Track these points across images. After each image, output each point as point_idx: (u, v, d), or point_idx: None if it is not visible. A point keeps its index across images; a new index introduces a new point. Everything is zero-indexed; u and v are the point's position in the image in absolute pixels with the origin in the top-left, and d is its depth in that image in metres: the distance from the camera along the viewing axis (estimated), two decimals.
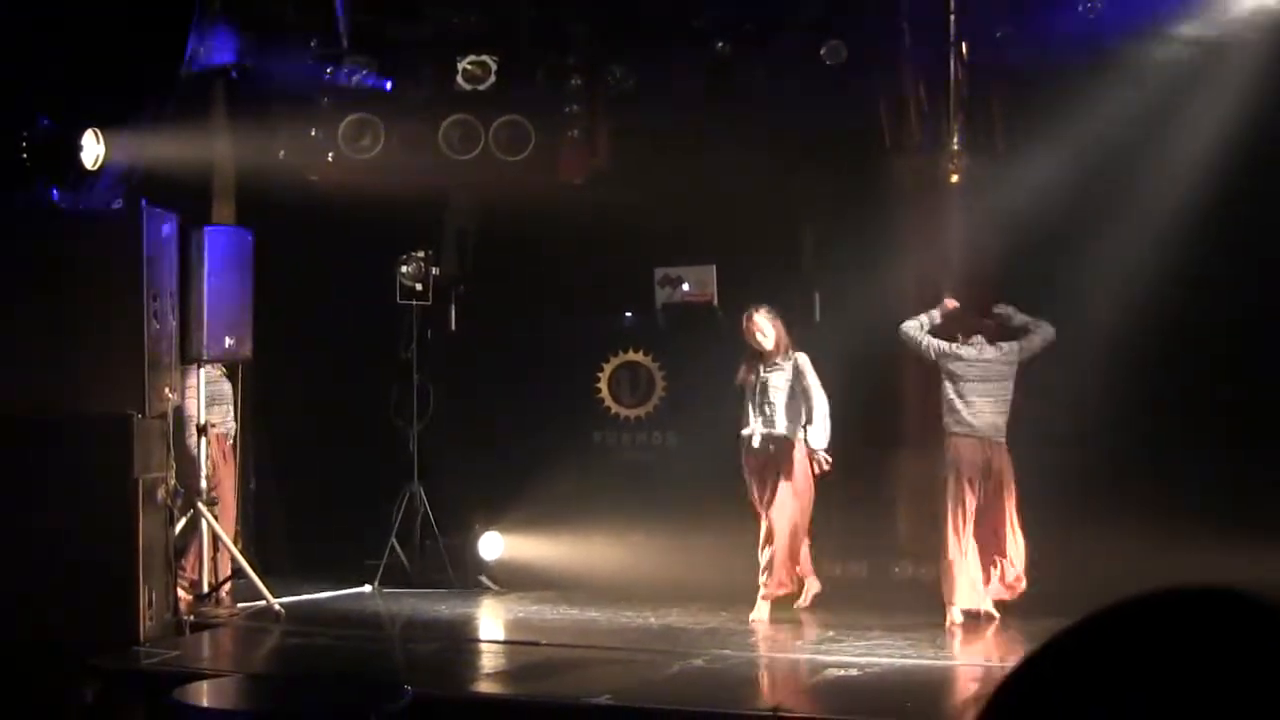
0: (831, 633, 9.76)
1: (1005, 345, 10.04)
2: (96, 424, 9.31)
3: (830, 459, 10.23)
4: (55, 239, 9.64)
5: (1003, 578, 9.95)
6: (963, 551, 9.87)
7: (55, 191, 9.93)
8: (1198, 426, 10.55)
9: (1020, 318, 10.09)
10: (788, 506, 10.24)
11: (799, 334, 10.63)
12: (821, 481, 10.41)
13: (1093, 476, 10.47)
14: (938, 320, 10.18)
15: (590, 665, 9.06)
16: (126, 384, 9.38)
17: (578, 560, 11.59)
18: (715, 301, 11.83)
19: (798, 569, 10.43)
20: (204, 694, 6.91)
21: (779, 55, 11.39)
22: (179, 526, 10.16)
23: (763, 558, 10.33)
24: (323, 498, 12.18)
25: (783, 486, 10.25)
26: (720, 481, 10.66)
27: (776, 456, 10.28)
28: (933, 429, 10.33)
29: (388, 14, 12.06)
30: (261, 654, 10.07)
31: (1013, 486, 9.94)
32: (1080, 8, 10.45)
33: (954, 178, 11.05)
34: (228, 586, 10.74)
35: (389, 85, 11.94)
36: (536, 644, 9.61)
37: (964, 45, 10.89)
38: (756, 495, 10.37)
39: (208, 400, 10.76)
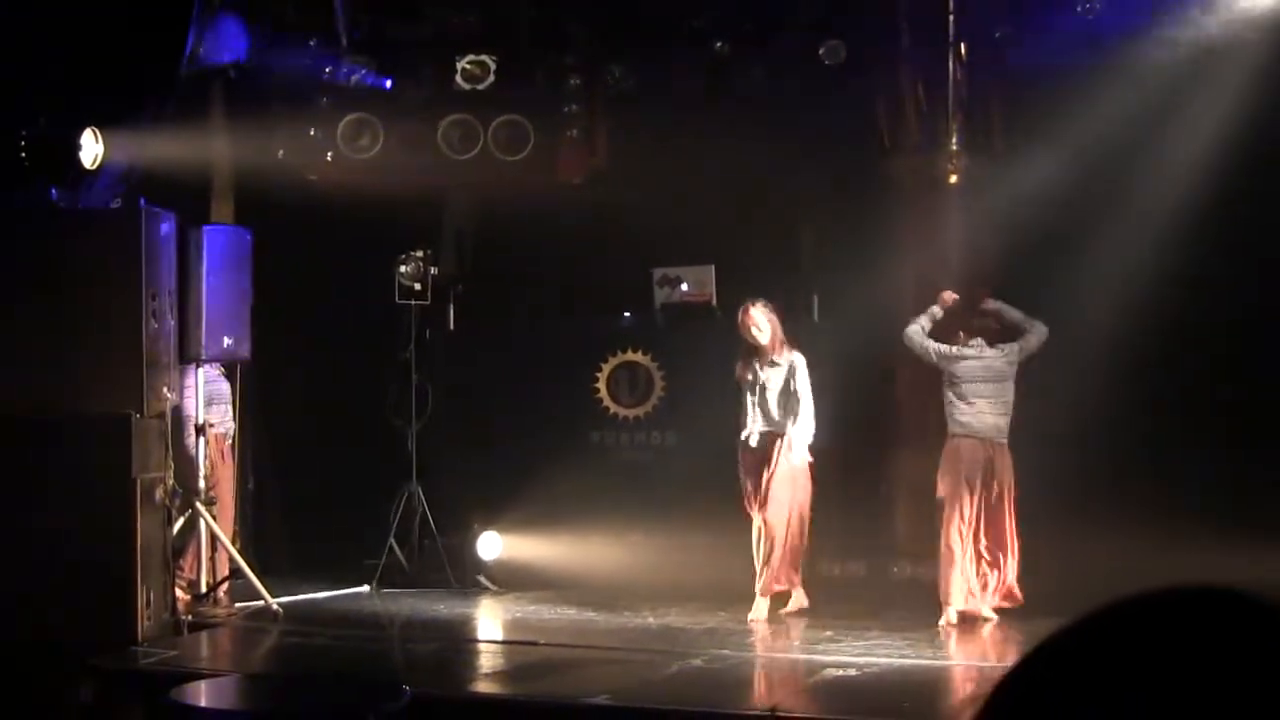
0: (830, 633, 9.75)
1: (1005, 346, 10.04)
2: (95, 424, 9.31)
3: (811, 458, 10.24)
4: (54, 238, 9.64)
5: (1000, 585, 9.93)
6: (961, 553, 9.86)
7: (54, 191, 9.93)
8: (1198, 426, 10.55)
9: (1013, 314, 10.09)
10: (784, 504, 10.23)
11: (797, 334, 10.62)
12: (820, 481, 10.41)
13: (1093, 476, 10.47)
14: (939, 316, 10.17)
15: (588, 665, 9.06)
16: (125, 384, 9.38)
17: (576, 560, 11.58)
18: (714, 301, 11.82)
19: (796, 575, 10.40)
20: (202, 694, 6.91)
21: (778, 55, 11.40)
22: (177, 526, 10.16)
23: (759, 555, 10.32)
24: (321, 497, 12.17)
25: (778, 484, 10.23)
26: (719, 481, 10.66)
27: (773, 455, 10.27)
28: (931, 428, 10.32)
29: (387, 14, 12.06)
30: (260, 654, 10.06)
31: (1013, 489, 9.92)
32: (1079, 8, 10.46)
33: (953, 178, 11.07)
34: (226, 586, 10.73)
35: (388, 84, 11.93)
36: (535, 644, 9.61)
37: (963, 45, 10.91)
38: (750, 492, 10.35)
39: (206, 400, 10.76)
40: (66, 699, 8.35)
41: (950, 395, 10.00)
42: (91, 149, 9.95)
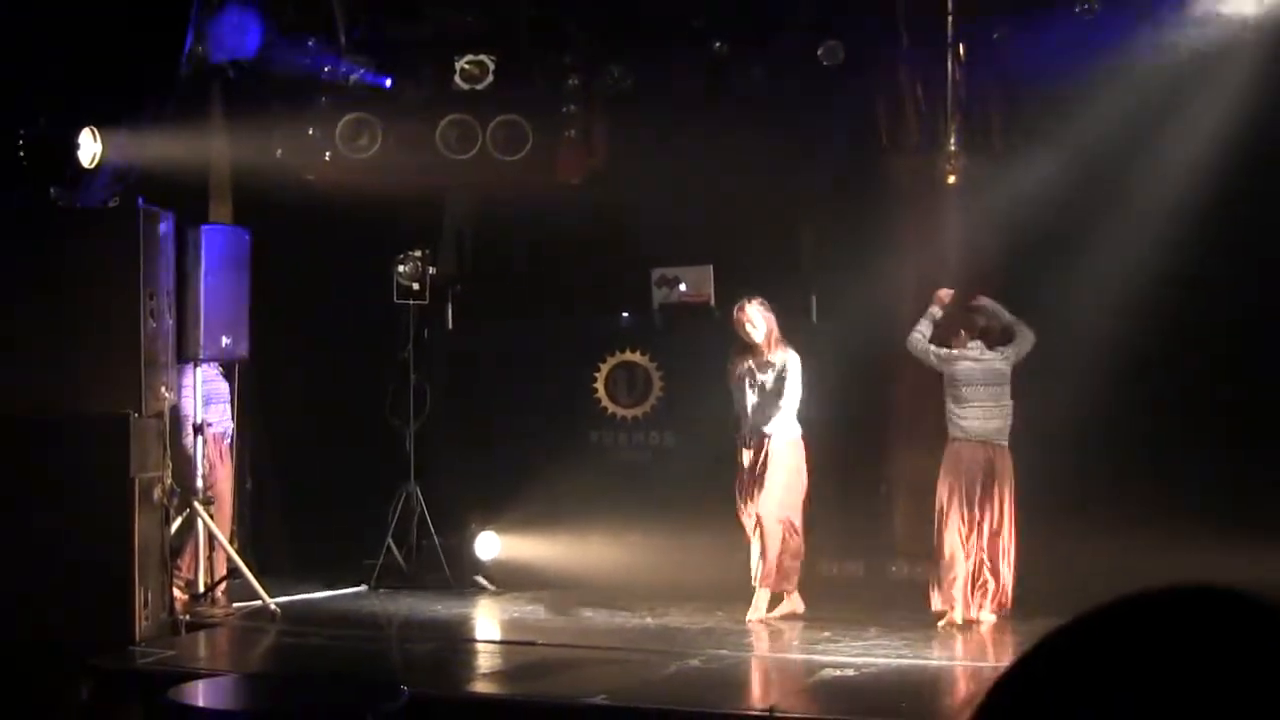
0: (828, 633, 9.75)
1: (1004, 349, 10.03)
2: (93, 423, 9.31)
3: (800, 439, 10.23)
4: (52, 238, 9.63)
5: (998, 592, 9.91)
6: (964, 559, 9.84)
7: (52, 190, 9.93)
8: (1198, 426, 10.54)
9: (1005, 316, 10.08)
10: (777, 500, 10.20)
11: (796, 335, 10.61)
12: (818, 481, 10.40)
13: (1092, 477, 10.46)
14: (938, 316, 10.16)
15: (586, 665, 9.06)
16: (123, 383, 9.38)
17: (574, 560, 11.58)
18: (712, 302, 11.81)
19: (789, 582, 10.36)
20: (199, 693, 6.91)
21: (777, 56, 11.39)
22: (175, 526, 10.15)
23: (755, 552, 10.29)
24: (319, 497, 12.17)
25: (772, 480, 10.20)
26: (717, 481, 10.65)
27: (768, 453, 10.24)
28: (930, 429, 10.32)
29: (387, 13, 12.06)
30: (257, 654, 10.06)
31: (1013, 493, 9.89)
32: (1077, 9, 10.45)
33: (951, 178, 11.06)
34: (223, 586, 10.74)
35: (388, 83, 11.92)
36: (533, 644, 9.61)
37: (961, 46, 10.90)
38: (744, 490, 10.31)
39: (204, 400, 10.76)
40: (65, 699, 8.34)
41: (950, 398, 9.99)
42: (90, 148, 9.94)
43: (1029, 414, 10.03)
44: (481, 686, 8.88)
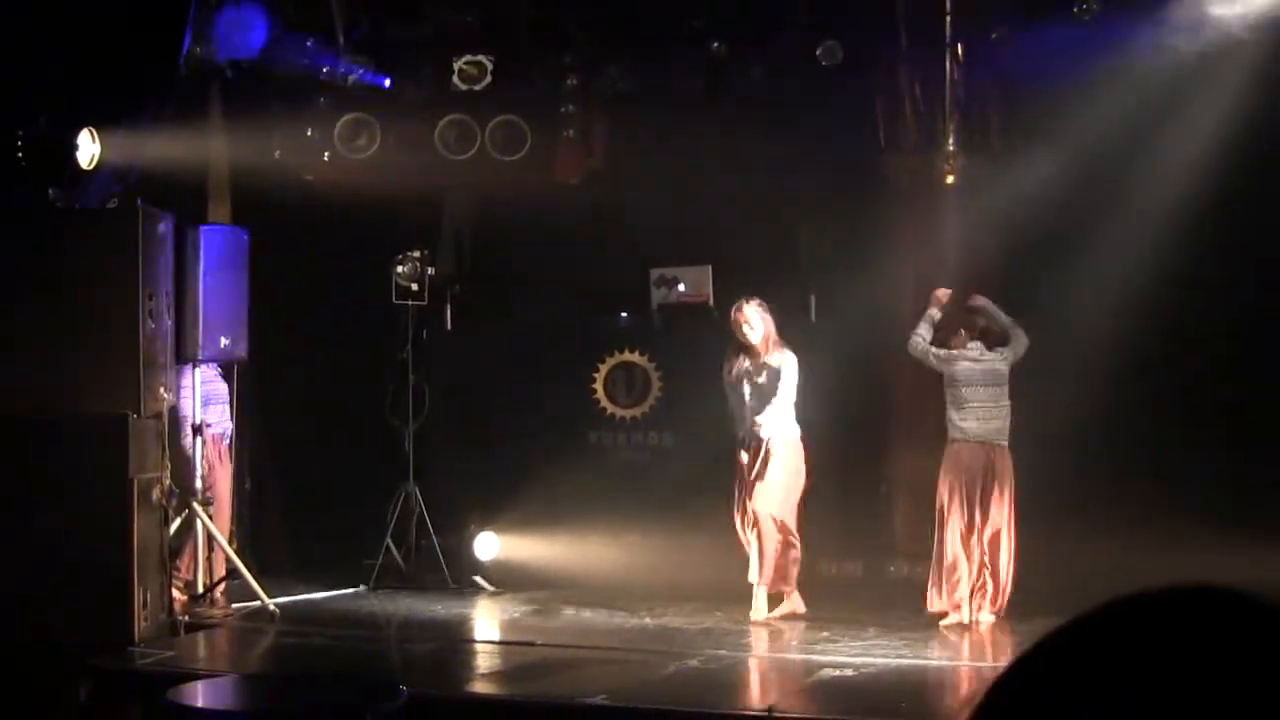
0: (827, 633, 9.75)
1: (1003, 350, 10.02)
2: (92, 424, 9.30)
3: (798, 439, 10.23)
4: (50, 238, 9.63)
5: (998, 594, 9.90)
6: (966, 561, 9.82)
7: (51, 191, 9.93)
8: (1198, 426, 10.55)
9: (1001, 318, 10.07)
10: (777, 500, 10.18)
11: (795, 334, 10.60)
12: (818, 481, 10.39)
13: (1092, 477, 10.46)
14: (937, 317, 10.15)
15: (586, 665, 9.06)
16: (122, 384, 9.37)
17: (573, 560, 11.58)
18: (711, 302, 11.82)
19: (788, 583, 10.34)
20: (199, 694, 6.90)
21: (776, 56, 11.39)
22: (174, 527, 10.15)
23: (753, 552, 10.27)
24: (318, 498, 12.16)
25: (771, 481, 10.18)
26: (716, 482, 10.65)
27: (768, 454, 10.22)
28: (929, 429, 10.32)
29: (387, 14, 12.06)
30: (256, 654, 10.06)
31: (1013, 494, 9.87)
32: (1075, 9, 10.45)
33: (950, 178, 11.06)
34: (222, 587, 10.73)
35: (387, 83, 11.91)
36: (532, 644, 9.61)
37: (960, 46, 10.90)
38: (742, 492, 10.30)
39: (203, 400, 10.76)
40: (64, 699, 8.34)
41: (949, 399, 9.98)
42: (88, 149, 9.94)
43: (1029, 414, 10.02)
44: (480, 687, 8.88)
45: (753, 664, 9.39)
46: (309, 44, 11.64)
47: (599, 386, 12.35)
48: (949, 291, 10.21)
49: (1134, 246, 10.37)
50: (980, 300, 10.14)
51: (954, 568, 9.84)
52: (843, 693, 8.23)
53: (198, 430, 10.63)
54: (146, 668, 8.67)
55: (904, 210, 11.35)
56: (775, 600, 10.34)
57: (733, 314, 10.36)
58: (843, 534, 11.28)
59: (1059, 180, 10.51)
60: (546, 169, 11.92)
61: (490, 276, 12.74)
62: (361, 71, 11.77)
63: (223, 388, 11.12)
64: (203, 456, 10.67)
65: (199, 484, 10.57)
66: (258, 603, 10.42)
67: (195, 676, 7.76)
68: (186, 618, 10.02)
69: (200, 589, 10.55)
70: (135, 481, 9.28)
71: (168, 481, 9.87)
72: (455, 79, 11.80)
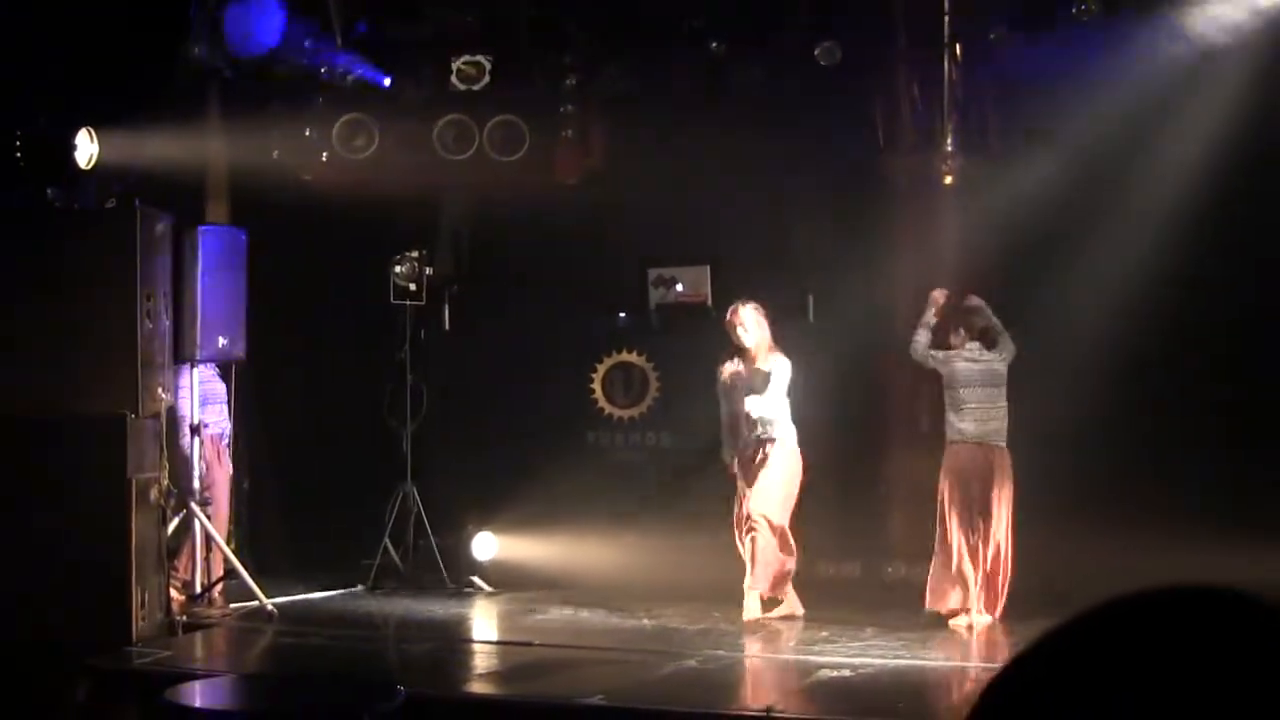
0: (824, 633, 9.74)
1: (999, 351, 10.01)
2: (90, 424, 9.30)
3: (798, 449, 10.22)
4: (49, 238, 9.63)
5: (992, 598, 9.89)
6: (969, 561, 9.81)
7: (49, 191, 9.92)
8: (1197, 426, 10.54)
9: (994, 321, 10.05)
10: (776, 506, 10.17)
11: (793, 335, 10.60)
12: (815, 481, 10.39)
13: (1091, 477, 10.44)
14: (933, 322, 10.13)
15: (583, 665, 9.05)
16: (120, 384, 9.37)
17: (571, 560, 11.58)
18: (709, 302, 11.82)
19: (783, 587, 10.33)
20: (196, 694, 6.90)
21: (775, 56, 11.38)
22: (172, 527, 10.15)
23: (747, 557, 10.25)
24: (316, 498, 12.16)
25: (771, 487, 10.16)
26: (713, 482, 10.65)
27: (767, 459, 10.21)
28: (927, 429, 10.32)
29: (387, 13, 12.05)
30: (254, 654, 10.05)
31: (1011, 495, 9.86)
32: (1074, 9, 10.44)
33: (948, 178, 11.06)
34: (220, 587, 10.73)
35: (386, 82, 11.90)
36: (529, 644, 9.61)
37: (958, 46, 10.90)
38: (740, 496, 10.28)
39: (201, 400, 10.76)
40: (62, 699, 8.34)
41: (947, 400, 9.96)
42: (86, 149, 9.94)
43: (1028, 414, 10.01)
44: (478, 687, 8.87)
45: (750, 664, 9.39)
46: (307, 43, 11.63)
47: (597, 386, 12.34)
48: (945, 293, 10.20)
49: (1133, 246, 10.36)
50: (975, 301, 10.13)
51: (958, 568, 9.83)
52: (840, 693, 8.22)
53: (196, 430, 10.62)
54: (144, 667, 8.67)
55: (902, 210, 11.34)
56: (769, 605, 10.32)
57: (728, 316, 10.35)
58: (840, 534, 11.27)
59: (1057, 180, 10.50)
60: (545, 169, 11.92)
61: (488, 277, 12.74)
62: (360, 70, 11.75)
63: (221, 388, 11.11)
64: (201, 456, 10.66)
65: (197, 484, 10.57)
66: (255, 603, 10.41)
67: (193, 676, 7.76)
68: (184, 617, 10.02)
69: (198, 589, 10.55)
70: (133, 481, 9.28)
71: (166, 481, 9.88)
72: (454, 79, 11.79)
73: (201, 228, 10.71)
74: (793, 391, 10.25)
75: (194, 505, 10.45)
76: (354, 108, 11.94)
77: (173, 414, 10.41)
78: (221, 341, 10.56)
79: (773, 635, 9.96)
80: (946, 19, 10.86)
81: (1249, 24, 10.20)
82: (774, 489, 10.18)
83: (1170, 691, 1.15)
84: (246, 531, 12.08)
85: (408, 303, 12.05)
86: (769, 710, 7.41)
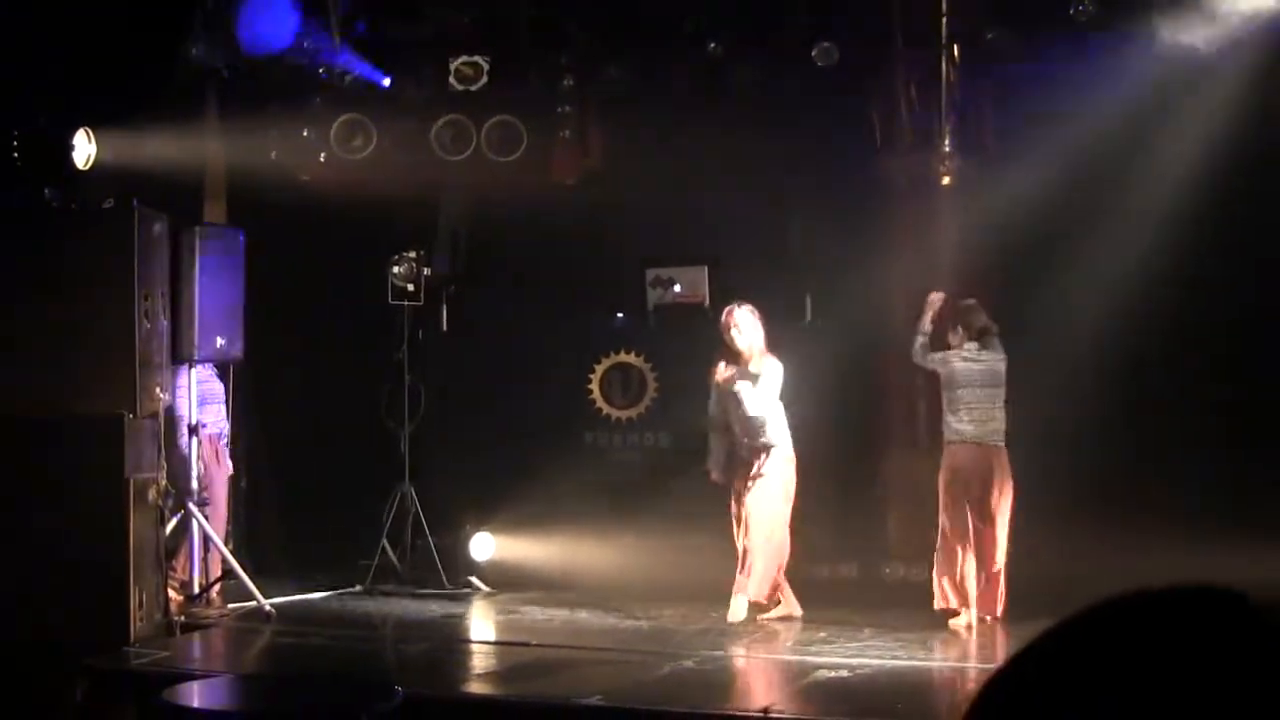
0: (822, 634, 9.75)
1: (998, 351, 10.01)
2: (88, 424, 9.29)
3: (791, 456, 10.21)
4: (47, 238, 9.63)
5: (992, 598, 9.89)
6: (970, 561, 9.81)
7: (47, 191, 9.92)
8: (1197, 426, 10.54)
9: (988, 322, 10.05)
10: (766, 514, 10.15)
11: (790, 335, 10.60)
12: (812, 482, 10.38)
13: (1091, 477, 10.44)
14: (928, 328, 10.12)
15: (581, 666, 9.05)
16: (118, 384, 9.37)
17: (569, 561, 11.58)
18: (707, 303, 11.81)
19: (776, 591, 10.31)
20: (194, 694, 6.90)
21: (772, 57, 11.38)
22: (170, 527, 10.15)
23: (740, 550, 10.24)
24: (314, 498, 12.16)
25: (767, 494, 10.15)
26: (711, 482, 10.64)
27: (764, 465, 10.19)
28: (924, 430, 10.31)
29: (387, 13, 12.05)
30: (252, 654, 10.05)
31: (1011, 495, 9.86)
32: (1071, 10, 10.44)
33: (945, 179, 11.06)
34: (218, 587, 10.73)
35: (385, 81, 11.89)
36: (527, 644, 9.61)
37: (955, 47, 10.89)
38: (739, 499, 10.28)
39: (199, 400, 10.75)
40: (60, 699, 8.33)
41: (946, 402, 9.96)
42: (84, 149, 9.94)
43: (1028, 414, 10.02)
44: (476, 687, 8.87)
45: (748, 665, 9.39)
46: (308, 44, 11.63)
47: (595, 387, 12.34)
48: (942, 295, 10.20)
49: (1132, 246, 10.36)
50: (970, 302, 10.13)
51: (960, 569, 9.82)
52: (838, 693, 8.23)
53: (194, 430, 10.62)
54: (142, 667, 8.67)
55: (900, 211, 11.34)
56: (769, 605, 10.31)
57: (723, 317, 10.34)
58: (838, 535, 11.27)
59: (1055, 181, 10.49)
60: (543, 169, 11.91)
61: (486, 277, 12.73)
62: (359, 69, 11.74)
63: (219, 388, 11.11)
64: (199, 456, 10.66)
65: (195, 484, 10.57)
66: (253, 603, 10.41)
67: (191, 676, 7.76)
68: (182, 618, 10.02)
69: (196, 589, 10.55)
70: (131, 481, 9.28)
71: (164, 481, 9.87)
72: (451, 79, 11.79)
73: (199, 228, 10.70)
74: (786, 394, 10.24)
75: (192, 505, 10.45)
76: (352, 108, 11.94)
77: (171, 414, 10.40)
78: (219, 341, 10.56)
79: (770, 636, 9.96)
80: (944, 20, 10.86)
81: (1247, 24, 10.20)
82: (769, 502, 10.16)
83: (1167, 692, 1.15)
84: (244, 531, 12.07)
85: (406, 303, 12.05)
86: (767, 710, 7.41)
